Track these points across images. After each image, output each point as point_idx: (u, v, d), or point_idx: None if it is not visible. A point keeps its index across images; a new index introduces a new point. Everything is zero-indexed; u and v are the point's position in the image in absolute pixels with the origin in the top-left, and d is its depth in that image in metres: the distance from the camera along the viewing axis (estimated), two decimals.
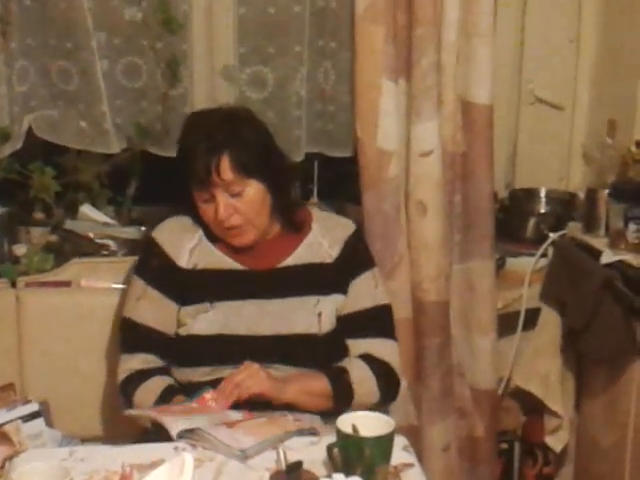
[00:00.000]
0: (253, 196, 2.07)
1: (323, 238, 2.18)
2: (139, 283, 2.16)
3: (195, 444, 1.77)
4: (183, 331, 2.10)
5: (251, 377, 1.95)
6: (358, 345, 2.14)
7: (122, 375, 2.10)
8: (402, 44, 2.39)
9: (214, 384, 2.00)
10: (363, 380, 2.08)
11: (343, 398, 1.93)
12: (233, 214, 2.06)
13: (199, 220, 2.16)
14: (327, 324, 2.11)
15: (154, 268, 2.15)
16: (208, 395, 1.94)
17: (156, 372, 2.09)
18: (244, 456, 1.73)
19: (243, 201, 2.06)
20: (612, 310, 2.36)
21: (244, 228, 2.08)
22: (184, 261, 2.13)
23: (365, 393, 2.05)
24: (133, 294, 2.16)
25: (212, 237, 2.15)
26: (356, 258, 2.20)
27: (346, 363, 2.11)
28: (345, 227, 2.22)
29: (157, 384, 2.06)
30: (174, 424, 1.80)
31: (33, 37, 2.42)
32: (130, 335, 2.16)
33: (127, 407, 2.05)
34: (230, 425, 1.83)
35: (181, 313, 2.11)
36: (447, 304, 2.55)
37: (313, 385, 2.04)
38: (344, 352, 2.14)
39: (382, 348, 2.14)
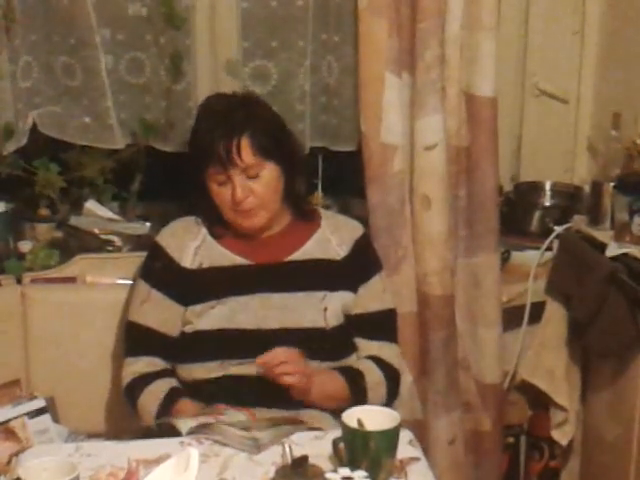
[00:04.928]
0: (269, 178, 2.09)
1: (332, 235, 2.19)
2: (143, 286, 2.16)
3: (206, 438, 1.78)
4: (189, 329, 2.11)
5: (293, 363, 1.95)
6: (368, 346, 2.17)
7: (127, 379, 2.12)
8: (406, 37, 2.38)
9: (219, 382, 2.03)
10: (377, 385, 2.11)
11: (356, 402, 1.93)
12: (249, 196, 2.07)
13: (204, 217, 2.18)
14: (333, 319, 2.11)
15: (158, 271, 2.16)
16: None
17: (160, 375, 2.10)
18: (257, 445, 1.74)
19: (260, 183, 2.07)
20: (618, 303, 2.36)
21: (256, 210, 2.09)
22: (189, 261, 2.14)
23: (376, 397, 2.08)
24: (137, 298, 2.17)
25: (216, 235, 2.17)
26: (366, 261, 2.22)
27: (362, 366, 2.13)
28: (354, 228, 2.24)
29: (160, 387, 2.07)
30: (184, 423, 1.81)
31: (37, 33, 2.42)
32: (134, 338, 2.17)
33: (132, 410, 2.08)
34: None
35: (188, 313, 2.12)
36: (452, 298, 2.54)
37: (334, 391, 2.06)
38: (351, 347, 2.16)
39: (390, 352, 2.19)
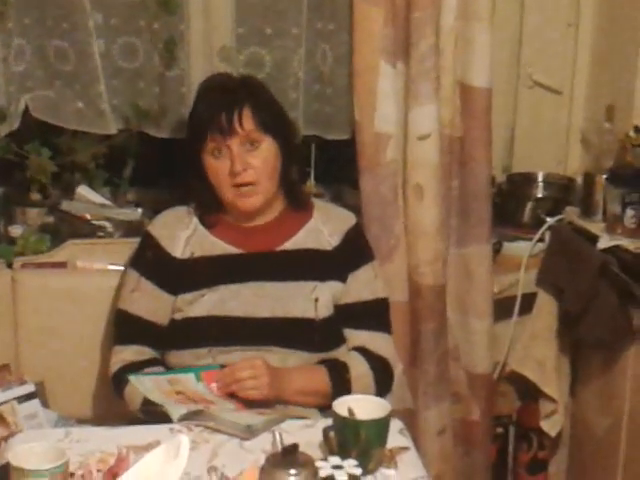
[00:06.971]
0: (267, 154, 2.09)
1: (324, 226, 2.19)
2: (133, 275, 2.16)
3: (197, 424, 1.78)
4: (179, 316, 2.11)
5: (255, 379, 1.94)
6: (356, 336, 2.15)
7: (115, 366, 2.11)
8: (400, 27, 2.38)
9: None
10: (362, 377, 2.09)
11: (340, 395, 1.92)
12: (247, 169, 2.07)
13: (197, 202, 2.17)
14: (324, 310, 2.11)
15: (148, 260, 2.16)
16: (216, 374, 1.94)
17: (148, 364, 2.08)
18: (250, 431, 1.74)
19: (258, 157, 2.08)
20: (608, 295, 2.36)
21: (254, 189, 2.08)
22: (179, 251, 2.14)
23: (362, 390, 2.04)
24: (127, 286, 2.17)
25: (208, 224, 2.16)
26: (357, 250, 2.21)
27: (346, 357, 2.11)
28: (346, 219, 2.24)
29: None
30: (175, 410, 1.80)
31: (30, 16, 2.40)
32: (124, 326, 2.17)
33: (118, 398, 2.07)
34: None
35: (178, 301, 2.11)
36: (443, 288, 2.54)
37: (313, 385, 2.05)
38: (340, 338, 2.15)
39: (379, 342, 2.16)
